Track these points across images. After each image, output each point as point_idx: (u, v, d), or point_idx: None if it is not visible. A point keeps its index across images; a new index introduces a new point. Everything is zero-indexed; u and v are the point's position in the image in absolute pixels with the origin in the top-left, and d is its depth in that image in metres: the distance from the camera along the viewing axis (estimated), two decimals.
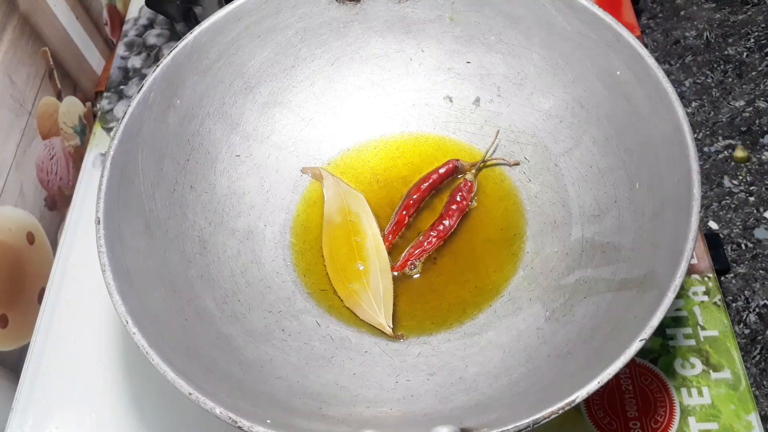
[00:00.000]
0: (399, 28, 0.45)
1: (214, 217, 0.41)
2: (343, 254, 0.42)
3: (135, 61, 0.61)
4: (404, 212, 0.43)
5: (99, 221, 0.34)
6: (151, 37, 0.63)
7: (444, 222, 0.42)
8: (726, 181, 0.45)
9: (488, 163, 0.45)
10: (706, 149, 0.48)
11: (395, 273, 0.41)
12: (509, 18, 0.42)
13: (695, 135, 0.33)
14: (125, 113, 0.37)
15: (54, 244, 0.52)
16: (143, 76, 0.59)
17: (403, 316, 0.40)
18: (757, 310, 0.41)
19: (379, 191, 0.45)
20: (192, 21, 0.58)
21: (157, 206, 0.38)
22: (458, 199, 0.43)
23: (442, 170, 0.44)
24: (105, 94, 0.59)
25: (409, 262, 0.41)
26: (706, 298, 0.42)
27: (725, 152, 0.47)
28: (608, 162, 0.39)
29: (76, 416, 0.42)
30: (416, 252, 0.41)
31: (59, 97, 0.56)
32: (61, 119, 0.56)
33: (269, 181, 0.45)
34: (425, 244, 0.42)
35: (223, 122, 0.43)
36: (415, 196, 0.44)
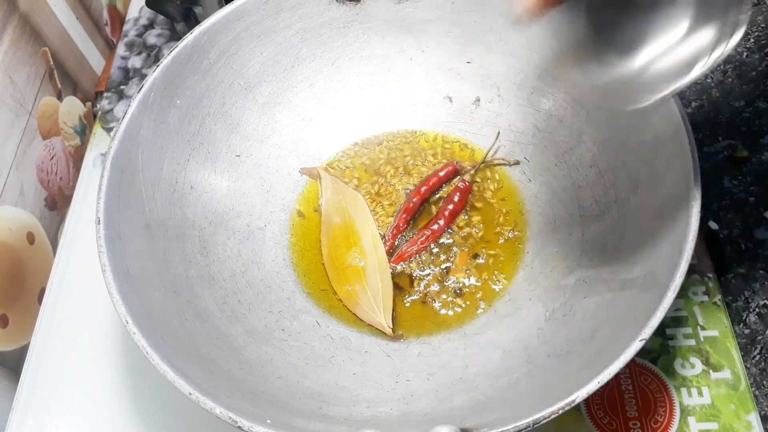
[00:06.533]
0: (399, 28, 0.45)
1: (214, 217, 0.41)
2: (342, 254, 0.42)
3: (135, 61, 0.61)
4: (404, 215, 0.43)
5: (99, 221, 0.34)
6: (152, 37, 0.63)
7: (438, 221, 0.42)
8: (726, 181, 0.45)
9: (488, 163, 0.45)
10: (705, 149, 0.48)
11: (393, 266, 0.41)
12: (509, 18, 0.42)
13: (695, 135, 0.33)
14: (125, 113, 0.37)
15: (54, 244, 0.52)
16: (143, 76, 0.59)
17: (402, 316, 0.40)
18: (757, 310, 0.41)
19: (379, 191, 0.45)
20: (192, 21, 0.58)
21: (157, 206, 0.38)
22: (455, 199, 0.43)
23: (441, 173, 0.44)
24: (105, 94, 0.59)
25: (401, 260, 0.41)
26: (706, 298, 0.42)
27: (725, 152, 0.47)
28: (608, 162, 0.39)
29: (76, 416, 0.42)
30: (409, 249, 0.42)
31: (59, 97, 0.56)
32: (62, 119, 0.56)
33: (269, 181, 0.45)
34: (418, 242, 0.42)
35: (223, 122, 0.43)
36: (414, 200, 0.44)
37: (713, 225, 0.45)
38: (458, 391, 0.34)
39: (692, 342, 0.41)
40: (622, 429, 0.38)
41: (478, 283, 0.40)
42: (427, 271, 0.41)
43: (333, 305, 0.40)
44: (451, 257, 0.42)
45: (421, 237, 0.42)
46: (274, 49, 0.44)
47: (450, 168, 0.45)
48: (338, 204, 0.44)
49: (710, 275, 0.43)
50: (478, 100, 0.46)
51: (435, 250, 0.42)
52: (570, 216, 0.41)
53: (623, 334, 0.30)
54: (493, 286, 0.40)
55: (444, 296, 0.40)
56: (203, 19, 0.42)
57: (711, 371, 0.40)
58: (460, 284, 0.41)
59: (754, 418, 0.38)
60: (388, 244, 0.42)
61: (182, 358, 0.31)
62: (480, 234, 0.43)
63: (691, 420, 0.38)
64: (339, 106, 0.47)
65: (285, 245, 0.43)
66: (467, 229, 0.43)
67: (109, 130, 0.56)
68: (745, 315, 0.41)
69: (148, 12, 0.64)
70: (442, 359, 0.37)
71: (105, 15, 0.64)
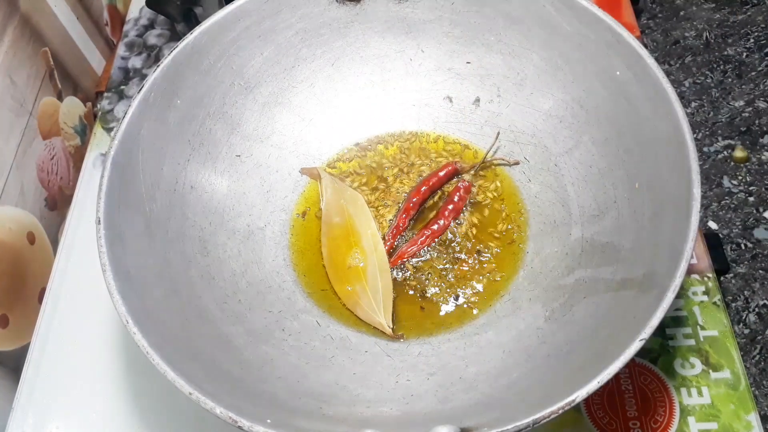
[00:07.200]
0: (399, 29, 0.45)
1: (214, 217, 0.41)
2: (342, 254, 0.42)
3: (135, 62, 0.61)
4: (404, 215, 0.43)
5: (99, 221, 0.34)
6: (152, 38, 0.63)
7: (438, 222, 0.43)
8: (725, 181, 0.45)
9: (488, 163, 0.45)
10: (705, 149, 0.48)
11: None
12: (509, 18, 0.42)
13: (695, 135, 0.33)
14: (126, 113, 0.38)
15: (54, 244, 0.52)
16: (144, 77, 0.59)
17: (402, 315, 0.40)
18: (756, 309, 0.41)
19: (378, 191, 0.45)
20: (192, 21, 0.58)
21: (158, 206, 0.38)
22: (455, 199, 0.43)
23: (441, 173, 0.45)
24: (105, 94, 0.59)
25: (401, 260, 0.41)
26: (705, 298, 0.42)
27: (725, 152, 0.47)
28: (608, 162, 0.39)
29: (76, 416, 0.42)
30: (409, 249, 0.42)
31: (60, 98, 0.56)
32: (62, 119, 0.56)
33: (269, 181, 0.45)
34: (418, 242, 0.42)
35: (223, 122, 0.43)
36: (414, 200, 0.44)
37: (713, 225, 0.45)
38: (458, 390, 0.34)
39: (692, 342, 0.41)
40: (621, 429, 0.38)
41: (478, 283, 0.41)
42: (427, 271, 0.41)
43: (333, 305, 0.41)
44: (451, 257, 0.42)
45: (421, 237, 0.42)
46: (275, 50, 0.44)
47: (450, 168, 0.45)
48: (338, 204, 0.44)
49: (710, 275, 0.43)
50: (478, 100, 0.46)
51: (435, 250, 0.42)
52: (570, 216, 0.41)
53: (623, 333, 0.30)
54: (493, 286, 0.40)
55: (444, 296, 0.40)
56: (203, 20, 0.42)
57: (711, 371, 0.40)
58: (460, 284, 0.41)
59: (753, 417, 0.38)
60: (388, 244, 0.42)
61: (182, 358, 0.31)
62: (480, 234, 0.43)
63: (690, 420, 0.38)
64: (339, 107, 0.47)
65: (285, 245, 0.43)
66: (467, 229, 0.43)
67: (109, 130, 0.56)
68: (744, 315, 0.41)
69: (148, 12, 0.64)
70: (442, 359, 0.37)
71: (105, 15, 0.64)
